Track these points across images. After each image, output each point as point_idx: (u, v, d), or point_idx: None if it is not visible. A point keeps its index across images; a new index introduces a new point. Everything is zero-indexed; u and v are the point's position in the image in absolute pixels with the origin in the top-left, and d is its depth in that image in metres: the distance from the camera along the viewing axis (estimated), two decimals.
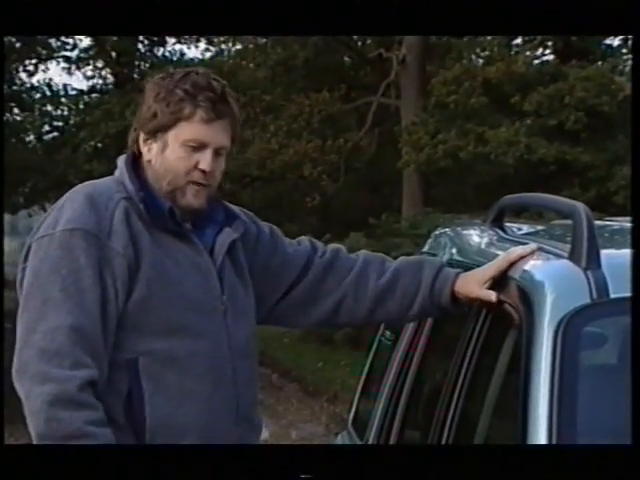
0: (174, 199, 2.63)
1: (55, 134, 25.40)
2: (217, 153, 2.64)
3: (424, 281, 2.83)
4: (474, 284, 2.77)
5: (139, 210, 2.59)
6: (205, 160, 2.61)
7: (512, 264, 2.71)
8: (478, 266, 2.85)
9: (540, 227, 3.54)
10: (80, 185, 2.68)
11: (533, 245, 2.73)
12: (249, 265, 2.80)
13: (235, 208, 2.85)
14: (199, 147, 2.61)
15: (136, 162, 2.70)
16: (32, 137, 25.41)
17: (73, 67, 25.77)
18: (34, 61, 24.88)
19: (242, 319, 2.71)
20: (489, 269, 2.75)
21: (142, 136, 2.67)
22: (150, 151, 2.66)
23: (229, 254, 2.72)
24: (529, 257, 2.69)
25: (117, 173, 2.69)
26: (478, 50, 18.87)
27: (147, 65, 25.50)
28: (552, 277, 2.56)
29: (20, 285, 2.60)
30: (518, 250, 2.73)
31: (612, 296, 2.40)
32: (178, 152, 2.62)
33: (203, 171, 2.61)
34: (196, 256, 2.65)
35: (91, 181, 2.71)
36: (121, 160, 2.71)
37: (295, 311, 2.89)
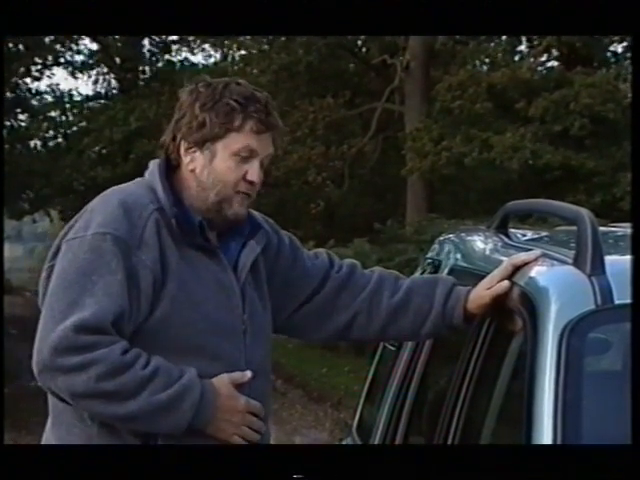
0: (220, 209, 2.62)
1: (59, 140, 25.45)
2: (261, 164, 2.65)
3: (437, 300, 2.83)
4: (482, 291, 2.78)
5: (170, 224, 2.56)
6: (253, 171, 2.62)
7: (517, 269, 2.71)
8: (482, 272, 2.85)
9: (544, 233, 3.54)
10: (111, 189, 2.65)
11: (538, 251, 2.73)
12: (268, 276, 2.79)
13: (258, 216, 2.83)
14: (248, 157, 2.62)
15: (169, 169, 2.67)
16: (37, 143, 25.47)
17: (78, 73, 25.82)
18: (39, 67, 24.93)
19: (259, 336, 2.70)
20: (495, 275, 2.76)
21: (184, 144, 2.64)
22: (194, 160, 2.63)
23: (251, 268, 2.71)
24: (534, 263, 2.69)
25: (148, 177, 2.66)
26: (482, 56, 18.87)
27: (151, 71, 25.55)
28: (556, 283, 2.55)
29: (45, 284, 2.57)
30: (523, 256, 2.73)
31: (616, 302, 2.39)
32: (228, 162, 2.61)
33: (251, 182, 2.62)
34: (220, 273, 2.63)
35: (122, 186, 2.67)
36: (154, 165, 2.67)
37: (309, 324, 2.89)
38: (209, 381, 2.53)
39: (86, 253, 2.50)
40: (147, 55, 25.96)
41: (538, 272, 2.64)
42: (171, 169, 2.67)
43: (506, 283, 2.70)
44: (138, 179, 2.69)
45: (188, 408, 2.47)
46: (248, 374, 2.59)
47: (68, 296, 2.47)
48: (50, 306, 2.49)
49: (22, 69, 23.83)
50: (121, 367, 2.43)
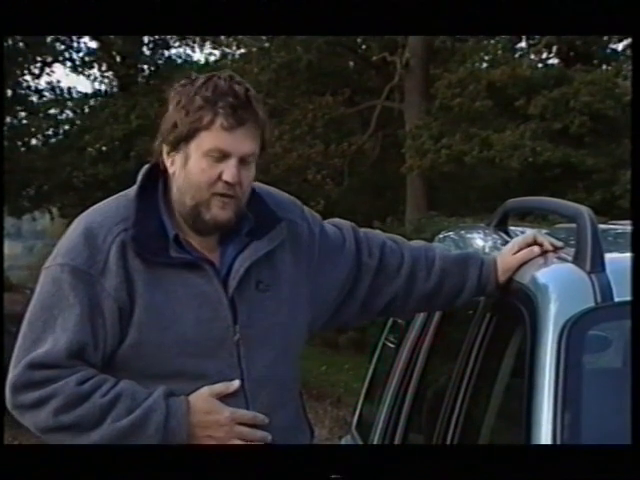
0: (198, 214, 2.47)
1: (60, 137, 25.42)
2: (243, 162, 2.47)
3: (470, 280, 2.80)
4: (509, 257, 2.77)
5: (138, 244, 2.45)
6: (229, 170, 2.44)
7: (538, 244, 2.73)
8: None
9: (544, 231, 3.54)
10: (90, 210, 2.55)
11: (560, 243, 2.73)
12: (310, 270, 2.66)
13: (286, 204, 2.72)
14: (222, 157, 2.45)
15: (157, 175, 2.55)
16: (37, 140, 25.45)
17: (78, 70, 25.80)
18: (39, 64, 24.91)
19: (264, 343, 2.53)
20: (519, 241, 2.77)
21: (165, 148, 2.51)
22: (173, 164, 2.50)
23: (266, 266, 2.55)
24: (551, 252, 2.70)
25: (133, 187, 2.55)
26: (482, 54, 18.86)
27: (152, 68, 25.54)
28: (556, 281, 2.56)
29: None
30: (547, 238, 2.74)
31: (616, 300, 2.40)
32: (200, 163, 2.45)
33: (227, 182, 2.45)
34: (205, 285, 2.49)
35: (98, 205, 2.56)
36: (140, 174, 2.56)
37: (352, 315, 2.79)
38: (182, 399, 2.43)
39: (49, 285, 2.46)
40: (147, 52, 25.94)
41: (538, 269, 2.65)
42: (163, 175, 2.55)
43: (536, 249, 2.72)
44: (128, 191, 2.57)
45: (153, 431, 2.40)
46: (235, 384, 2.46)
47: (31, 333, 2.46)
48: (18, 343, 2.48)
49: (22, 66, 23.81)
50: (77, 399, 2.40)
